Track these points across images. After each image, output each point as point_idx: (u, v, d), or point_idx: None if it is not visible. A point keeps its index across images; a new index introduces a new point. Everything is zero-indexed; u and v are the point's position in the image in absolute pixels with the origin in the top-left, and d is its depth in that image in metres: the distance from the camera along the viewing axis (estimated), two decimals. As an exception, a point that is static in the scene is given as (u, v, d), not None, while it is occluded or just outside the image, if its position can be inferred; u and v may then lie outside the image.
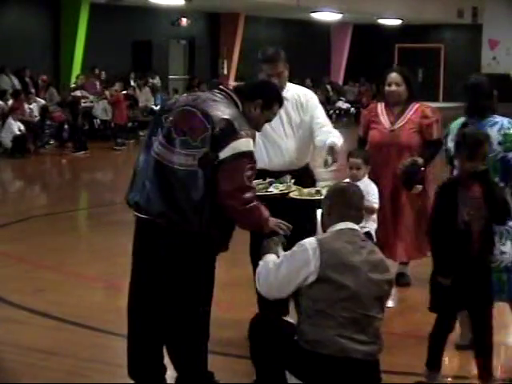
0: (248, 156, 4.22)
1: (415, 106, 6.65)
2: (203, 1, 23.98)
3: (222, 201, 4.20)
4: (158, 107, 22.55)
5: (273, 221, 4.37)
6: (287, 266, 4.12)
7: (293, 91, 5.64)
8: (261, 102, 4.45)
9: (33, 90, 19.82)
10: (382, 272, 4.16)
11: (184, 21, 26.44)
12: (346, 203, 4.24)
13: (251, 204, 4.22)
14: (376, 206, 6.13)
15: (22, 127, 16.95)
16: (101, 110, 19.97)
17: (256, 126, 4.51)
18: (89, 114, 20.08)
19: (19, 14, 21.95)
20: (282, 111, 5.41)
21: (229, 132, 4.19)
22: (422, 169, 6.44)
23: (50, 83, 20.75)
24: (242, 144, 4.20)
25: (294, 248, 4.16)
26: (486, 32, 33.09)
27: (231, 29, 27.62)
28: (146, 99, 22.41)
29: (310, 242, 4.11)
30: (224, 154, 4.16)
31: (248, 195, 4.21)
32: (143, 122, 21.06)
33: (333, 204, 4.28)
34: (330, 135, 5.45)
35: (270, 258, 4.27)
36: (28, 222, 10.03)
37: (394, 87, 6.58)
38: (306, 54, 29.66)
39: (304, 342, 4.06)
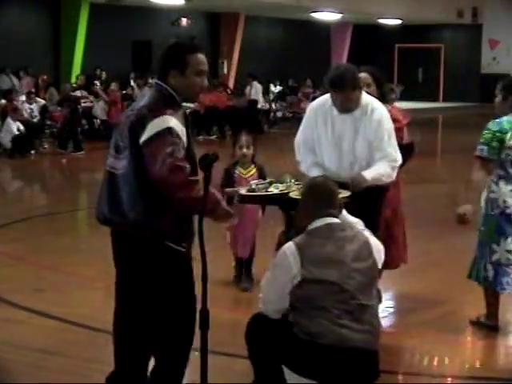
0: (165, 133, 3.95)
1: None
2: (203, 1, 23.99)
3: (158, 187, 3.98)
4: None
5: (224, 206, 4.16)
6: (274, 276, 4.23)
7: (363, 111, 5.44)
8: (175, 71, 4.12)
9: (33, 90, 19.82)
10: (365, 259, 4.20)
11: (184, 21, 26.46)
12: (315, 199, 4.30)
13: (188, 183, 3.94)
14: None
15: (22, 127, 16.94)
16: (101, 109, 19.97)
17: (195, 91, 4.23)
18: (89, 113, 20.10)
19: (19, 14, 21.96)
20: (342, 128, 5.42)
21: (142, 117, 4.00)
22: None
23: (50, 83, 20.77)
24: (156, 123, 3.96)
25: (276, 257, 4.26)
26: (486, 32, 33.11)
27: (231, 29, 27.63)
28: (146, 99, 22.41)
29: (288, 246, 4.20)
30: (142, 138, 3.97)
31: (178, 175, 3.92)
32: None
33: (305, 203, 4.37)
34: (368, 169, 5.35)
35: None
36: (28, 222, 10.03)
37: (364, 89, 6.03)
38: (306, 53, 29.68)
39: (303, 334, 4.10)
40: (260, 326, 4.31)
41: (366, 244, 4.25)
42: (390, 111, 6.36)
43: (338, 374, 4.07)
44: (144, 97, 4.22)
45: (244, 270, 6.88)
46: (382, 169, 5.42)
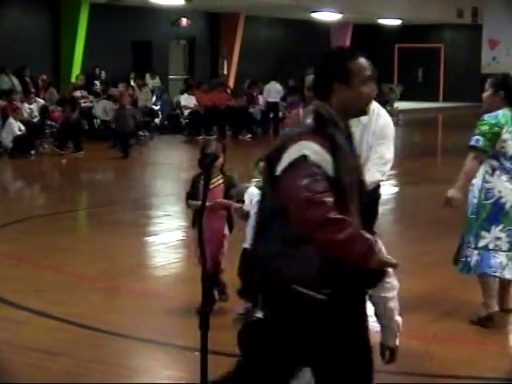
0: (299, 163, 3.27)
1: None
2: (203, 1, 23.98)
3: (297, 228, 3.28)
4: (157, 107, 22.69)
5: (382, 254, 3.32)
6: None
7: (369, 116, 5.34)
8: (338, 84, 3.46)
9: (33, 90, 19.82)
10: None
11: (184, 21, 26.44)
12: None
13: (330, 223, 3.18)
14: None
15: (23, 127, 16.94)
16: (101, 110, 19.96)
17: (364, 102, 3.58)
18: (89, 114, 20.08)
19: (19, 14, 21.95)
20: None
21: (282, 144, 3.40)
22: None
23: (50, 83, 20.77)
24: (291, 152, 3.31)
25: None
26: (486, 32, 33.06)
27: (231, 29, 27.63)
28: (146, 99, 22.42)
29: None
30: (277, 170, 3.34)
31: (316, 212, 3.18)
32: (143, 122, 21.06)
33: None
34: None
35: None
36: (28, 222, 10.03)
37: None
38: (306, 53, 29.64)
39: None
40: (251, 330, 4.31)
41: None
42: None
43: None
44: (300, 124, 3.61)
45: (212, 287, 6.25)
46: (370, 176, 5.43)
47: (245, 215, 5.91)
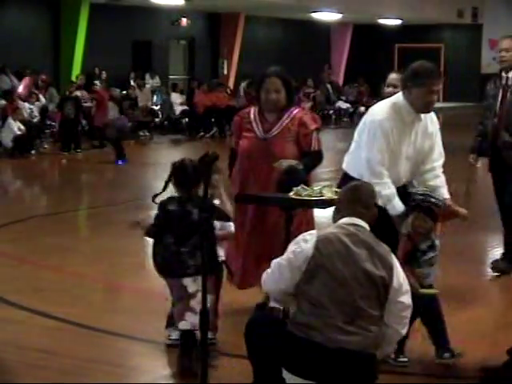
0: None
1: (293, 112, 5.93)
2: (203, 1, 23.99)
3: None
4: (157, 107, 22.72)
5: None
6: (291, 254, 4.22)
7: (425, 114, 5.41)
8: None
9: (33, 90, 19.80)
10: (379, 268, 4.17)
11: (184, 21, 26.45)
12: (353, 200, 4.34)
13: None
14: (232, 229, 5.45)
15: (23, 127, 16.95)
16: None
17: None
18: (89, 113, 20.07)
19: (19, 14, 21.96)
20: (411, 132, 5.33)
21: None
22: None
23: (50, 83, 20.77)
24: None
25: (296, 239, 4.28)
26: (486, 32, 33.07)
27: (231, 29, 27.63)
28: (146, 99, 22.43)
29: (310, 233, 4.27)
30: None
31: None
32: (143, 122, 21.07)
33: (342, 201, 4.41)
34: (441, 188, 5.36)
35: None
36: (28, 222, 10.03)
37: (273, 95, 5.84)
38: (306, 53, 29.65)
39: (298, 330, 4.11)
40: (259, 327, 4.31)
41: (384, 258, 4.21)
42: (295, 115, 5.94)
43: (331, 374, 4.07)
44: None
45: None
46: (444, 179, 5.45)
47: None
